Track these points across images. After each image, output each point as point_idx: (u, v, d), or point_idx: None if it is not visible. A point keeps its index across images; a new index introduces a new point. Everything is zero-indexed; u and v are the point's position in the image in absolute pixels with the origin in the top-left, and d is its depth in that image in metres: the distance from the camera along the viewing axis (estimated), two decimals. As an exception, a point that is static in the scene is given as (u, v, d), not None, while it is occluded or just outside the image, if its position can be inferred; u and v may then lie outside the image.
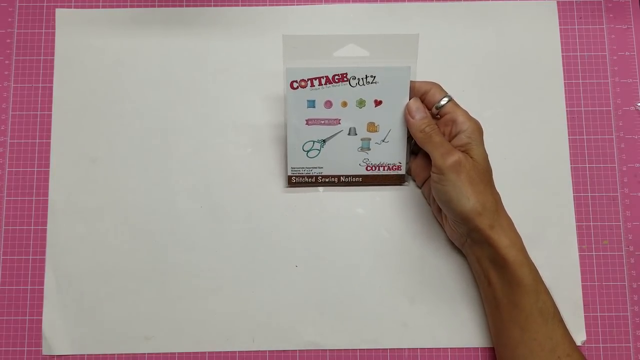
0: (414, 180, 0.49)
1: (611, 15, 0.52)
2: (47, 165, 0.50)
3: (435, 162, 0.42)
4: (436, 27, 0.52)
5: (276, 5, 0.52)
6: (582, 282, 0.48)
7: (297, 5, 0.52)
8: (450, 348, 0.48)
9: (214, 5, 0.52)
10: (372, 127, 0.46)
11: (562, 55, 0.52)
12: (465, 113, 0.44)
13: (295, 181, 0.47)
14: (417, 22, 0.52)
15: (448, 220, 0.45)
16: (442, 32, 0.52)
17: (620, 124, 0.51)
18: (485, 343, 0.48)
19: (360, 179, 0.48)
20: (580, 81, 0.51)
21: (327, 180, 0.47)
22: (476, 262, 0.44)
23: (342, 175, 0.47)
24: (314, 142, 0.46)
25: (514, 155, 0.50)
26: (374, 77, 0.45)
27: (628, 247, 0.49)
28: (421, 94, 0.45)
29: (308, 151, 0.47)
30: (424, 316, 0.48)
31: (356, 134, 0.46)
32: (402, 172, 0.48)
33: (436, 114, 0.45)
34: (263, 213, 0.49)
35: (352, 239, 0.49)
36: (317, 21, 0.52)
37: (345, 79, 0.45)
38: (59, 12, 0.52)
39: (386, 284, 0.48)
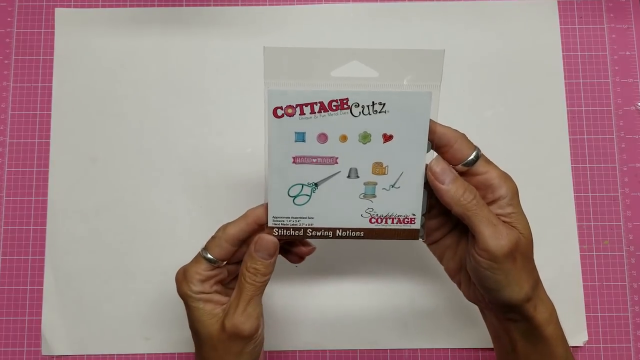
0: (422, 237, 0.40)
1: (612, 15, 0.52)
2: (47, 165, 0.50)
3: (485, 244, 0.34)
4: (436, 27, 0.52)
5: (276, 5, 0.52)
6: (582, 282, 0.48)
7: (297, 5, 0.52)
8: (450, 349, 0.48)
9: (214, 5, 0.52)
10: (379, 168, 0.37)
11: (563, 55, 0.51)
12: (500, 172, 0.36)
13: (277, 234, 0.37)
14: (417, 22, 0.52)
15: (474, 290, 0.38)
16: (442, 32, 0.52)
17: (621, 123, 0.51)
18: (485, 344, 0.47)
19: (362, 233, 0.38)
20: (581, 81, 0.51)
21: (318, 234, 0.38)
22: (503, 332, 0.38)
23: (339, 229, 0.37)
24: (302, 185, 0.37)
25: (514, 155, 0.50)
26: (383, 104, 0.35)
27: (629, 247, 0.49)
28: (442, 145, 0.36)
29: (295, 197, 0.37)
30: (424, 317, 0.48)
31: (358, 177, 0.37)
32: (417, 225, 0.37)
33: (462, 172, 0.36)
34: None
35: (353, 240, 0.49)
36: (317, 21, 0.52)
37: (345, 106, 0.35)
38: (58, 11, 0.52)
39: (386, 284, 0.48)
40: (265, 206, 0.37)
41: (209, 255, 0.37)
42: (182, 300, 0.37)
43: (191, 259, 0.38)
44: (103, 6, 0.52)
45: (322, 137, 0.36)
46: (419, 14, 0.52)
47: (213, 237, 0.37)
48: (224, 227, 0.37)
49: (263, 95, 0.35)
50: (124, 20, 0.52)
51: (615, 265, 0.49)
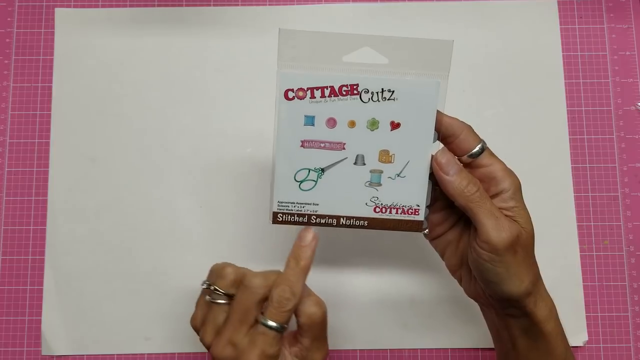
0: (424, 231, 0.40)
1: (612, 15, 0.52)
2: (47, 165, 0.50)
3: (487, 236, 0.34)
4: (436, 27, 0.52)
5: (276, 4, 0.52)
6: (582, 282, 0.48)
7: (297, 5, 0.52)
8: (450, 349, 0.48)
9: (214, 5, 0.52)
10: (385, 156, 0.36)
11: (563, 55, 0.51)
12: (504, 166, 0.37)
13: (282, 219, 0.37)
14: (417, 22, 0.52)
15: (475, 286, 0.38)
16: (442, 32, 0.52)
17: (621, 123, 0.51)
18: (485, 344, 0.47)
19: (365, 222, 0.37)
20: (581, 81, 0.51)
21: (323, 221, 0.38)
22: (503, 328, 0.38)
23: (343, 217, 0.37)
24: (309, 170, 0.37)
25: (514, 155, 0.50)
26: (393, 92, 0.35)
27: (629, 247, 0.49)
28: (448, 135, 0.36)
29: (301, 182, 0.37)
30: (424, 317, 0.48)
31: (364, 164, 0.37)
32: (420, 217, 0.37)
33: (467, 163, 0.37)
34: (263, 212, 0.49)
35: (352, 238, 0.49)
36: (317, 21, 0.52)
37: (355, 91, 0.35)
38: (58, 11, 0.52)
39: (386, 284, 0.48)
40: (309, 245, 0.36)
41: (279, 325, 0.33)
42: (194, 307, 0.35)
43: (250, 340, 0.33)
44: (103, 6, 0.52)
45: (331, 122, 0.36)
46: (419, 14, 0.52)
47: (277, 305, 0.33)
48: (291, 291, 0.33)
49: (275, 77, 0.36)
50: (124, 20, 0.52)
51: (615, 265, 0.49)
